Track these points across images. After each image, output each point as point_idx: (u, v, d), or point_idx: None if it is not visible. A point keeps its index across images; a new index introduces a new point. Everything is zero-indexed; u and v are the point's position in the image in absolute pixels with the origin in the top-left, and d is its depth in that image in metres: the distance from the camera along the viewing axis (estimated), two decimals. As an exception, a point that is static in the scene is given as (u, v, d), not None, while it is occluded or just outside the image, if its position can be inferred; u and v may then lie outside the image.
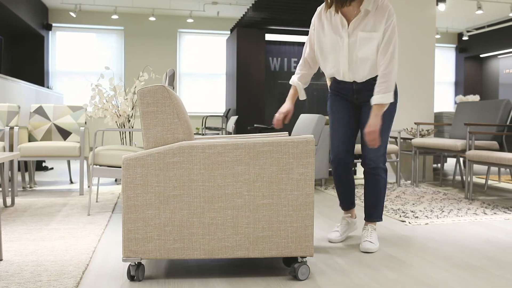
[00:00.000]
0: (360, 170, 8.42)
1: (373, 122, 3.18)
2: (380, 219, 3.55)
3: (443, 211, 4.70)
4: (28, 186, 6.23)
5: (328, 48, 3.37)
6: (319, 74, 13.58)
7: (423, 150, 6.37)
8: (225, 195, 2.64)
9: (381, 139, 3.37)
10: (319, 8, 3.43)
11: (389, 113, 3.39)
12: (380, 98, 3.18)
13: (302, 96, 3.58)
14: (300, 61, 3.57)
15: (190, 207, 2.62)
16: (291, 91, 3.56)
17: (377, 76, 3.28)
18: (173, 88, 4.50)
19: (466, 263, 3.08)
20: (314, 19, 3.42)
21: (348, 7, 3.22)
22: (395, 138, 7.17)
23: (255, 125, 8.01)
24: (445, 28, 15.46)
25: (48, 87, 12.99)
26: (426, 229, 4.02)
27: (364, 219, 3.58)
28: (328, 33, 3.34)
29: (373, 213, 3.53)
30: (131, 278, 2.68)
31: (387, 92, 3.17)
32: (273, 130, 9.52)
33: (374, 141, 3.18)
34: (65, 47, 13.69)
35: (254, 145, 2.64)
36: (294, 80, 3.56)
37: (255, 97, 12.40)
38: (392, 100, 3.21)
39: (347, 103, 3.52)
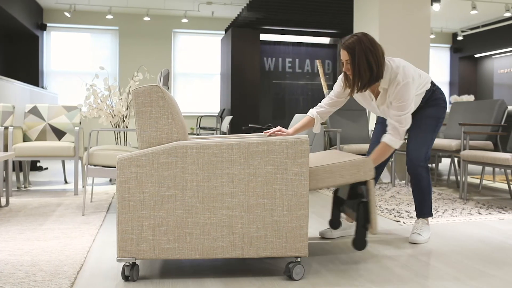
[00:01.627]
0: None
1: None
2: (429, 214, 3.74)
3: (437, 211, 4.71)
4: (23, 186, 6.22)
5: (366, 107, 3.62)
6: (314, 74, 13.60)
7: (417, 150, 6.37)
8: (219, 195, 2.64)
9: (422, 140, 3.57)
10: None
11: (435, 118, 3.61)
12: (388, 138, 3.36)
13: (317, 129, 3.68)
14: (327, 98, 3.63)
15: (184, 207, 2.62)
16: (302, 122, 3.63)
17: (424, 92, 3.55)
18: (168, 88, 4.50)
19: (461, 263, 3.09)
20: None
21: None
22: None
23: (249, 125, 8.01)
24: (439, 28, 15.49)
25: (42, 87, 12.96)
26: (420, 229, 4.02)
27: (416, 215, 3.78)
28: (361, 99, 3.59)
29: (421, 210, 3.72)
30: (126, 278, 2.68)
31: (396, 140, 3.34)
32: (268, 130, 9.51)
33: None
34: (59, 47, 13.66)
35: (248, 145, 2.64)
36: (313, 112, 3.63)
37: (250, 97, 12.40)
38: (397, 147, 3.37)
39: None
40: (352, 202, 3.18)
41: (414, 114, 3.59)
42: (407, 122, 3.32)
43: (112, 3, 12.76)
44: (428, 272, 2.88)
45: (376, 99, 3.47)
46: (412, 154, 3.57)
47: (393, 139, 3.32)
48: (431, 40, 15.53)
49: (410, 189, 3.75)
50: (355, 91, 3.33)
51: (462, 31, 15.36)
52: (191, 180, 2.62)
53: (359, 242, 2.96)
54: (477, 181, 7.08)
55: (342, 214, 3.85)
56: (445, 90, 16.31)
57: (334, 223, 3.62)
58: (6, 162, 5.06)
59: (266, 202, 2.66)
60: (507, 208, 4.91)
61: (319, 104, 3.66)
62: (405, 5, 7.29)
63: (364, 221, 2.95)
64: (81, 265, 2.95)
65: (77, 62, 13.73)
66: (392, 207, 4.92)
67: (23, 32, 12.34)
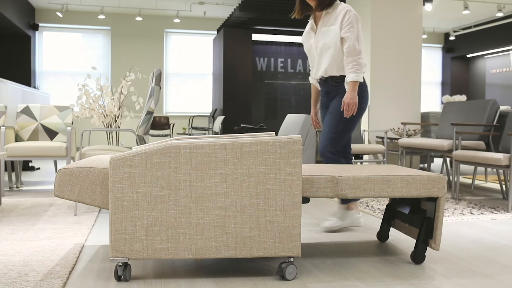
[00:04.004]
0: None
1: (348, 95, 3.64)
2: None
3: (429, 211, 4.72)
4: (15, 186, 6.20)
5: (309, 51, 3.98)
6: (306, 74, 13.62)
7: (409, 150, 6.40)
8: (212, 195, 2.63)
9: (334, 129, 3.77)
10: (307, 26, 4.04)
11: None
12: (352, 77, 3.65)
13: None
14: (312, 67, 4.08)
15: (177, 207, 2.62)
16: (313, 94, 4.13)
17: (340, 76, 3.79)
18: (160, 88, 4.49)
19: (453, 263, 3.10)
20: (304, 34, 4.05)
21: (316, 13, 3.88)
22: (382, 138, 7.19)
23: (241, 125, 8.01)
24: (431, 28, 15.54)
25: (34, 87, 12.91)
26: (413, 229, 4.03)
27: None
28: (308, 39, 3.99)
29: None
30: (118, 278, 2.68)
31: (358, 72, 3.65)
32: (260, 130, 9.52)
33: (348, 112, 3.63)
34: (51, 47, 13.62)
35: (241, 145, 2.63)
36: (315, 83, 4.10)
37: (242, 97, 12.40)
38: (361, 80, 3.68)
39: (326, 108, 4.00)
40: (416, 217, 3.20)
41: (332, 105, 3.84)
42: (359, 46, 3.66)
43: (104, 3, 12.73)
44: (420, 272, 2.89)
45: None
46: (322, 144, 3.79)
47: (356, 75, 3.64)
48: (423, 40, 15.58)
49: None
50: (318, 9, 3.73)
51: (454, 31, 15.41)
52: (184, 180, 2.62)
53: (419, 256, 3.05)
54: (469, 181, 7.10)
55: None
56: (437, 90, 16.37)
57: (382, 236, 3.61)
58: (-3, 162, 5.04)
59: (259, 202, 2.66)
60: (499, 208, 4.93)
61: (311, 73, 4.06)
62: (397, 5, 7.31)
63: (426, 237, 3.01)
64: (73, 265, 2.94)
65: (69, 62, 13.70)
66: (383, 207, 4.93)
67: (15, 32, 12.30)
